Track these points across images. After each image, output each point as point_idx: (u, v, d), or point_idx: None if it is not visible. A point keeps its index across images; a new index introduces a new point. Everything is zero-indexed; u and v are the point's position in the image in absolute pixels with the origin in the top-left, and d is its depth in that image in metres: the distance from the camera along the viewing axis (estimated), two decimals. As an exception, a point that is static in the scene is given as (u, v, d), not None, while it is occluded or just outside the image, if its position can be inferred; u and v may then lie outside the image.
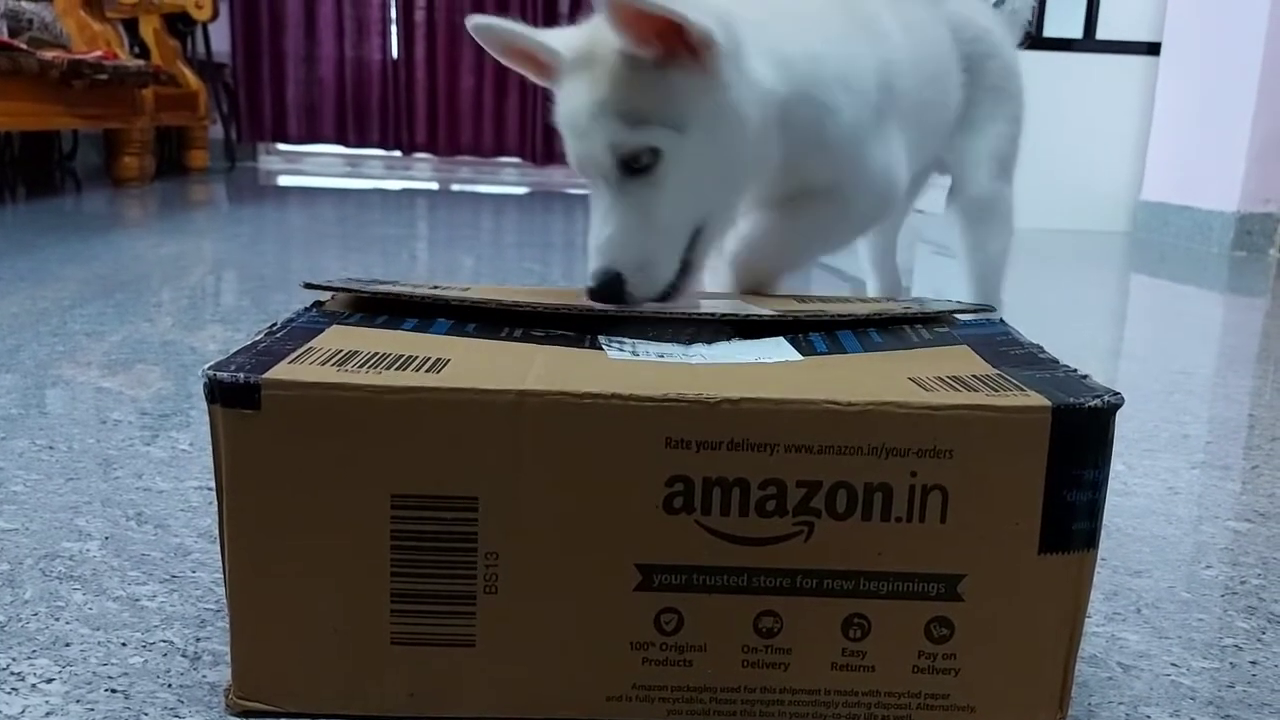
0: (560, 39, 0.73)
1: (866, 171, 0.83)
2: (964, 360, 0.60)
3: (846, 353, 0.62)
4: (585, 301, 0.69)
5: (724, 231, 0.78)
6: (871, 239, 1.33)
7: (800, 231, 0.84)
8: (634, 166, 0.70)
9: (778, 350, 0.61)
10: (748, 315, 0.65)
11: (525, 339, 0.61)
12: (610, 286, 0.70)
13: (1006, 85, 1.13)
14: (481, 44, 0.74)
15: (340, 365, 0.54)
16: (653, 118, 0.69)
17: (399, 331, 0.62)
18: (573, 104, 0.71)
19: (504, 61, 0.76)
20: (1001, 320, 0.71)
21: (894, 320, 0.67)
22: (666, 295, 0.72)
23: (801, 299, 0.76)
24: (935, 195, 1.15)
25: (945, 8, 1.07)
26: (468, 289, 0.75)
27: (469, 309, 0.65)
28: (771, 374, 0.57)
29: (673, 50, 0.68)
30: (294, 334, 0.60)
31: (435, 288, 0.77)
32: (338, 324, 0.63)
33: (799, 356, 0.60)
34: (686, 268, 0.73)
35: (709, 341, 0.61)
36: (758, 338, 0.64)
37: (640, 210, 0.71)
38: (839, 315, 0.66)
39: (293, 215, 3.37)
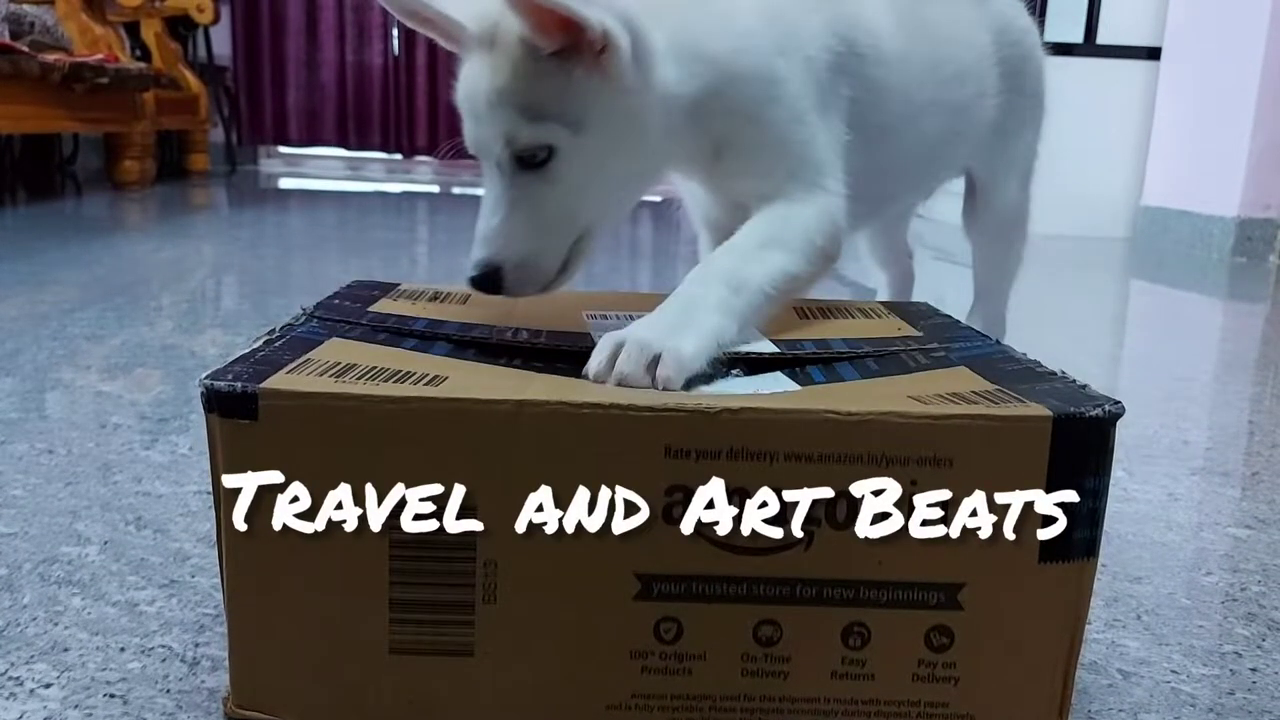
0: (467, 8, 0.71)
1: (801, 179, 0.77)
2: (963, 379, 0.60)
3: (844, 381, 0.62)
4: (587, 328, 0.69)
5: (609, 232, 0.77)
6: (875, 237, 1.32)
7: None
8: (528, 160, 0.69)
9: (776, 383, 0.61)
10: (748, 353, 0.65)
11: (524, 367, 0.61)
12: (490, 279, 0.70)
13: (1039, 90, 1.10)
14: (387, 8, 0.73)
15: (338, 377, 0.54)
16: (550, 114, 0.68)
17: (398, 349, 0.62)
18: (472, 86, 0.70)
19: (410, 25, 0.74)
20: (997, 341, 0.71)
21: (891, 351, 0.67)
22: (542, 290, 0.73)
23: (803, 313, 0.75)
24: (935, 201, 1.14)
25: (990, 8, 1.03)
26: (470, 295, 0.75)
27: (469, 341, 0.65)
28: (770, 396, 0.57)
29: (576, 45, 0.66)
30: (293, 344, 0.60)
31: (437, 295, 0.77)
32: (337, 336, 0.63)
33: (796, 387, 0.60)
34: (566, 267, 0.73)
35: (708, 380, 0.61)
36: (757, 373, 0.64)
37: (529, 205, 0.70)
38: (838, 352, 0.66)
39: (293, 218, 3.37)
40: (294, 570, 0.53)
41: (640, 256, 2.75)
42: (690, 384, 0.60)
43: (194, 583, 0.73)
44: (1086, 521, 0.54)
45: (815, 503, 0.52)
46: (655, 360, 0.59)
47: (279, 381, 0.52)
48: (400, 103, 5.00)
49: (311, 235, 2.95)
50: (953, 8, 0.99)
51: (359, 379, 0.54)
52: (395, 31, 4.94)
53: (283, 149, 5.26)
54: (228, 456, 0.52)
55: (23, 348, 1.38)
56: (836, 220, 0.77)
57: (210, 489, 0.53)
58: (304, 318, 0.68)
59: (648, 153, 0.74)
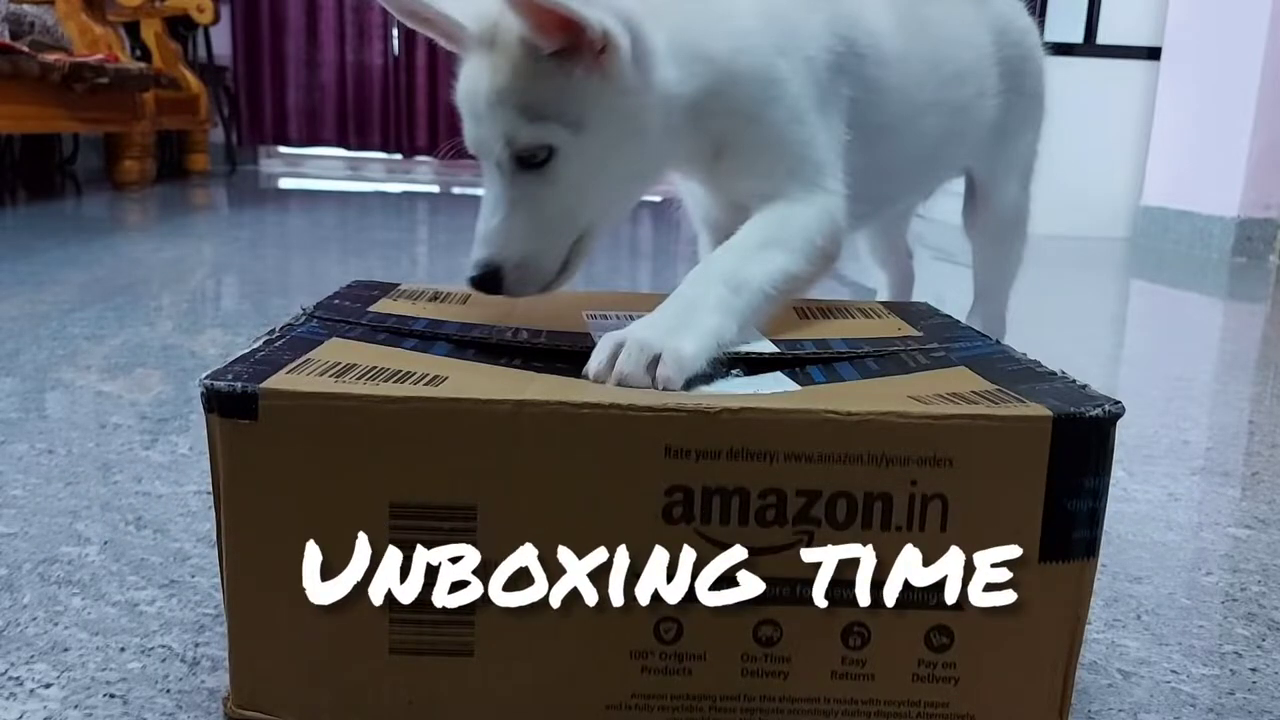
0: (467, 9, 0.71)
1: (801, 179, 0.77)
2: (963, 379, 0.60)
3: (844, 381, 0.62)
4: (587, 328, 0.69)
5: (609, 232, 0.77)
6: (874, 237, 1.32)
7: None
8: (528, 160, 0.69)
9: (776, 383, 0.61)
10: (748, 353, 0.65)
11: (524, 367, 0.61)
12: (490, 279, 0.70)
13: (1039, 90, 1.10)
14: (387, 8, 0.73)
15: (338, 377, 0.54)
16: (550, 114, 0.68)
17: (399, 349, 0.62)
18: (472, 86, 0.70)
19: (410, 25, 0.75)
20: (997, 341, 0.71)
21: (891, 351, 0.67)
22: (542, 290, 0.73)
23: (803, 313, 0.75)
24: (935, 201, 1.14)
25: (990, 8, 1.03)
26: (469, 295, 0.75)
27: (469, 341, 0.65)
28: (770, 396, 0.57)
29: (576, 45, 0.66)
30: (293, 344, 0.60)
31: (437, 295, 0.77)
32: (337, 336, 0.63)
33: (796, 387, 0.60)
34: (566, 267, 0.73)
35: (708, 380, 0.61)
36: (757, 373, 0.64)
37: (529, 205, 0.70)
38: (838, 352, 0.66)
39: (293, 218, 3.37)
40: (294, 571, 0.53)
41: (640, 256, 2.75)
42: (690, 384, 0.60)
43: (194, 583, 0.73)
44: (1086, 521, 0.54)
45: (815, 503, 0.52)
46: (655, 360, 0.59)
47: (279, 381, 0.52)
48: (400, 103, 5.00)
49: (311, 235, 2.95)
50: (953, 8, 0.99)
51: (359, 379, 0.54)
52: (395, 31, 4.94)
53: (283, 149, 5.26)
54: (228, 456, 0.52)
55: (23, 348, 1.38)
56: (837, 220, 0.77)
57: (210, 489, 0.53)
58: (304, 318, 0.68)
59: (648, 153, 0.74)
